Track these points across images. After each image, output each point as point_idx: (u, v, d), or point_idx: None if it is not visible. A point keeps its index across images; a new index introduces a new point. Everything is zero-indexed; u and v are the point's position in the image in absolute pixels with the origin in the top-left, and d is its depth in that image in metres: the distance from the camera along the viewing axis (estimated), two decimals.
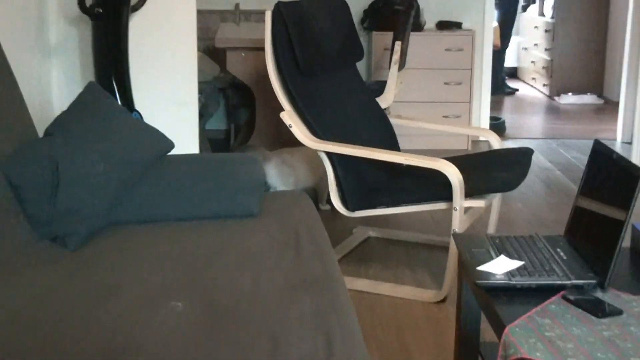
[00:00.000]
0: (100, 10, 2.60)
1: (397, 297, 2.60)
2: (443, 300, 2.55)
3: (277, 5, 2.61)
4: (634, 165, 1.49)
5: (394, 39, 3.45)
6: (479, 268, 1.58)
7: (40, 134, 2.16)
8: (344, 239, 3.12)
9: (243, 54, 3.82)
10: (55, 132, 2.06)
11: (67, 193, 1.93)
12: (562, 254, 1.64)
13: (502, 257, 1.63)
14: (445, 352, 2.23)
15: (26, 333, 1.44)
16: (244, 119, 4.46)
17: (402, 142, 3.11)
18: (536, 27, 6.89)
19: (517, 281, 1.52)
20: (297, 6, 2.72)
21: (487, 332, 1.83)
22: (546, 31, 6.60)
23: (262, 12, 4.26)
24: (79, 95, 2.21)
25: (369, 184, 2.75)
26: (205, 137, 3.79)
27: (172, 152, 2.27)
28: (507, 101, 6.45)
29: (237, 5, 4.75)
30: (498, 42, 6.10)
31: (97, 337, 1.41)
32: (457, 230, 2.44)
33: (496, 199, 2.82)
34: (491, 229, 2.88)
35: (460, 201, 2.43)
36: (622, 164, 1.54)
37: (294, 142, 2.77)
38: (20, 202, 1.91)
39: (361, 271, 2.84)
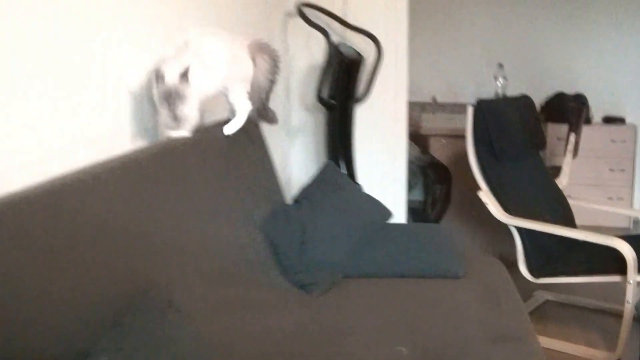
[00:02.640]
0: (334, 102, 3.16)
1: (569, 354, 2.91)
2: None
3: (479, 103, 3.19)
4: None
5: (569, 131, 3.91)
6: None
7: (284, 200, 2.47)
8: (526, 300, 3.33)
9: (444, 141, 4.28)
10: (303, 200, 2.46)
11: (312, 249, 2.25)
12: None
13: None
14: None
15: None
16: (439, 193, 4.71)
17: None
18: None
19: None
20: (494, 103, 3.35)
21: None
22: None
23: (455, 104, 5.33)
24: (320, 171, 2.63)
25: (550, 254, 3.09)
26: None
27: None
28: None
29: (434, 98, 5.62)
30: None
31: None
32: (630, 302, 2.74)
33: None
34: None
35: (634, 276, 2.75)
36: None
37: (485, 217, 3.11)
38: (276, 256, 2.22)
39: (539, 329, 3.13)
